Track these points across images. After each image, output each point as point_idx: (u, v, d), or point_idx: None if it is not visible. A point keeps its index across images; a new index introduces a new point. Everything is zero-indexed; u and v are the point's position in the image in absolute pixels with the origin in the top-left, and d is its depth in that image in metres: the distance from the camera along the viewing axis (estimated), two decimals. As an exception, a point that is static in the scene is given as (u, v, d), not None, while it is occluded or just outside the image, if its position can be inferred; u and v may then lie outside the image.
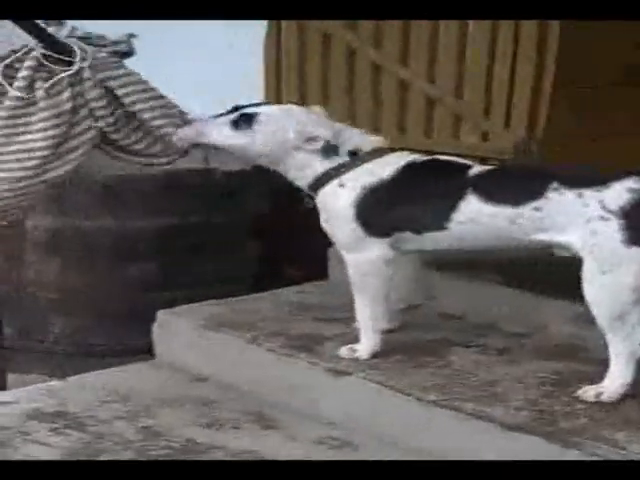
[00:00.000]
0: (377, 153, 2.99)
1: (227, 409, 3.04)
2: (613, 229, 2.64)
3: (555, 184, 2.73)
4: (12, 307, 3.68)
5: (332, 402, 2.95)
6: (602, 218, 2.65)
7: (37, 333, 3.93)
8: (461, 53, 4.09)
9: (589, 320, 2.76)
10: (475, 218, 2.81)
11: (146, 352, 3.39)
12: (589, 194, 2.68)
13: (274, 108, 3.04)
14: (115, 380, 3.24)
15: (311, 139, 2.92)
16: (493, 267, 3.42)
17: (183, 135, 3.00)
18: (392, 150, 3.07)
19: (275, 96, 4.63)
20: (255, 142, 2.93)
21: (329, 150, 2.93)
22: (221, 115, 2.99)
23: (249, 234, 4.03)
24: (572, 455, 2.51)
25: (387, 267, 2.94)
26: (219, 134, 2.95)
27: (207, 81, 4.65)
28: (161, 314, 3.39)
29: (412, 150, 4.23)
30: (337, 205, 2.93)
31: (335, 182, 2.94)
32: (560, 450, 2.53)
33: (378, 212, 2.90)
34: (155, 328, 3.40)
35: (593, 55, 3.97)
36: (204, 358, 3.26)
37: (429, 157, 3.06)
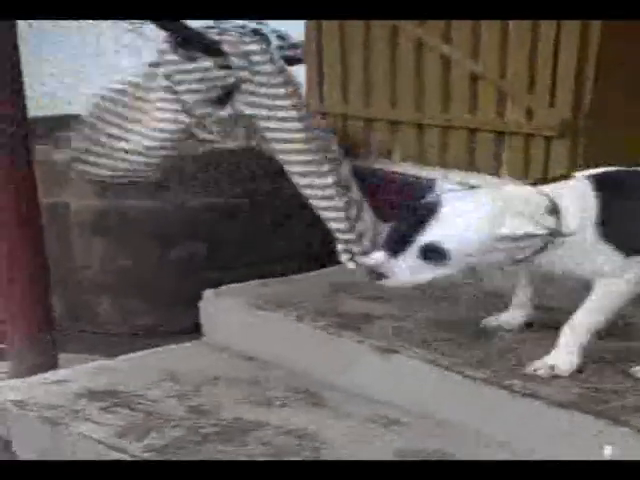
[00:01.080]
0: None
1: (275, 387, 3.07)
2: None
3: None
4: (60, 288, 3.73)
5: (380, 380, 2.98)
6: None
7: (85, 314, 3.98)
8: (505, 29, 4.10)
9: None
10: None
11: (194, 332, 3.43)
12: None
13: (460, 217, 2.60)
14: (164, 359, 3.28)
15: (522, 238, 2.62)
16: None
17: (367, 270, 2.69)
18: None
19: (317, 71, 4.65)
20: (451, 270, 2.64)
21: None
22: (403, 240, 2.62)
23: (296, 213, 4.04)
24: (621, 432, 2.53)
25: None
26: (411, 276, 2.63)
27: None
28: (208, 294, 3.42)
29: (456, 127, 4.29)
30: (586, 250, 2.73)
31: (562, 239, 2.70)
32: (610, 428, 2.55)
33: (624, 234, 2.75)
34: (202, 308, 3.43)
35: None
36: (252, 337, 3.29)
37: (603, 172, 2.92)
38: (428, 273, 2.61)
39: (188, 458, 2.68)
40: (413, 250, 2.59)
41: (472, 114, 4.25)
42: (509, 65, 4.12)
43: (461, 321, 3.16)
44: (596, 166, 3.08)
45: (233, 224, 3.93)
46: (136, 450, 2.73)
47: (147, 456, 2.70)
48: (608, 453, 2.50)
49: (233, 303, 3.37)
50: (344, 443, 2.75)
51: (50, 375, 3.21)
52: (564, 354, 2.78)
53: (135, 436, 2.80)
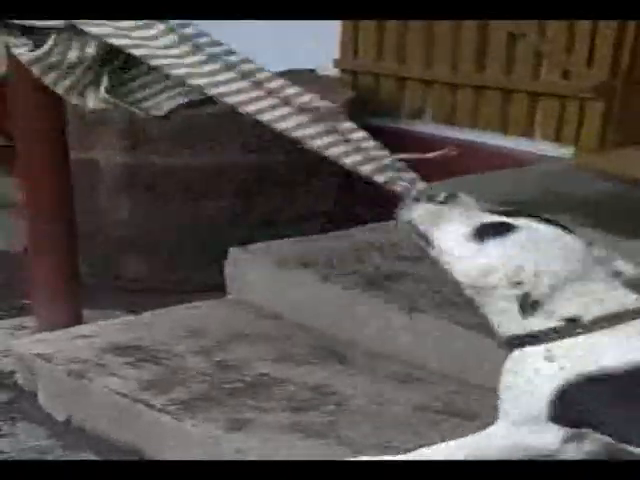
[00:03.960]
0: None
1: (299, 345, 3.23)
2: None
3: None
4: (87, 244, 3.89)
5: (404, 339, 3.14)
6: None
7: (112, 270, 4.15)
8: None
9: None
10: None
11: (219, 289, 3.58)
12: None
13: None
14: (189, 316, 3.45)
15: None
16: (565, 208, 3.56)
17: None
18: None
19: (352, 30, 4.79)
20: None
21: None
22: None
23: (323, 173, 4.18)
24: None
25: None
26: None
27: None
28: (233, 252, 3.56)
29: (491, 87, 4.41)
30: None
31: None
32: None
33: None
34: (227, 265, 3.57)
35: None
36: (276, 295, 3.44)
37: None
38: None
39: (212, 412, 2.85)
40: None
41: (507, 74, 4.38)
42: (548, 25, 4.24)
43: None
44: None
45: (261, 182, 4.06)
46: (160, 404, 2.89)
47: (172, 409, 2.87)
48: None
49: (258, 261, 3.53)
50: (365, 399, 2.92)
51: (76, 330, 3.39)
52: None
53: (160, 390, 2.97)
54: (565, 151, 4.22)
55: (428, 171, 4.10)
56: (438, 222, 2.41)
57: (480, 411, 2.82)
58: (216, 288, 3.60)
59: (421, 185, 2.55)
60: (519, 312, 2.32)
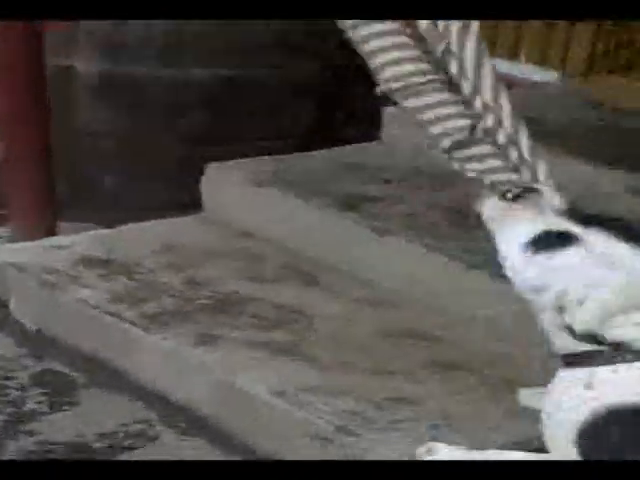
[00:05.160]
0: None
1: (271, 264, 3.32)
2: None
3: None
4: (63, 157, 3.95)
5: (375, 261, 3.23)
6: None
7: (87, 184, 4.21)
8: None
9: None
10: None
11: (195, 206, 3.65)
12: None
13: None
14: (163, 232, 3.52)
15: None
16: (552, 136, 3.63)
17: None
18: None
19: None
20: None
21: None
22: None
23: (302, 91, 4.23)
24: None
25: None
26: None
27: None
28: (210, 168, 3.63)
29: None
30: None
31: None
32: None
33: None
34: (204, 182, 3.64)
35: None
36: (251, 213, 3.51)
37: None
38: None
39: (181, 327, 2.96)
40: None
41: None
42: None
43: (466, 208, 3.39)
44: None
45: (241, 98, 4.10)
46: (131, 316, 3.00)
47: (141, 322, 2.97)
48: None
49: (235, 178, 3.59)
50: (333, 320, 3.02)
51: (50, 241, 3.47)
52: None
53: (130, 303, 3.06)
54: (550, 76, 4.24)
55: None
56: (502, 224, 2.28)
57: (443, 335, 2.95)
58: (193, 205, 3.67)
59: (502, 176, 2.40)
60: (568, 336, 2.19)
